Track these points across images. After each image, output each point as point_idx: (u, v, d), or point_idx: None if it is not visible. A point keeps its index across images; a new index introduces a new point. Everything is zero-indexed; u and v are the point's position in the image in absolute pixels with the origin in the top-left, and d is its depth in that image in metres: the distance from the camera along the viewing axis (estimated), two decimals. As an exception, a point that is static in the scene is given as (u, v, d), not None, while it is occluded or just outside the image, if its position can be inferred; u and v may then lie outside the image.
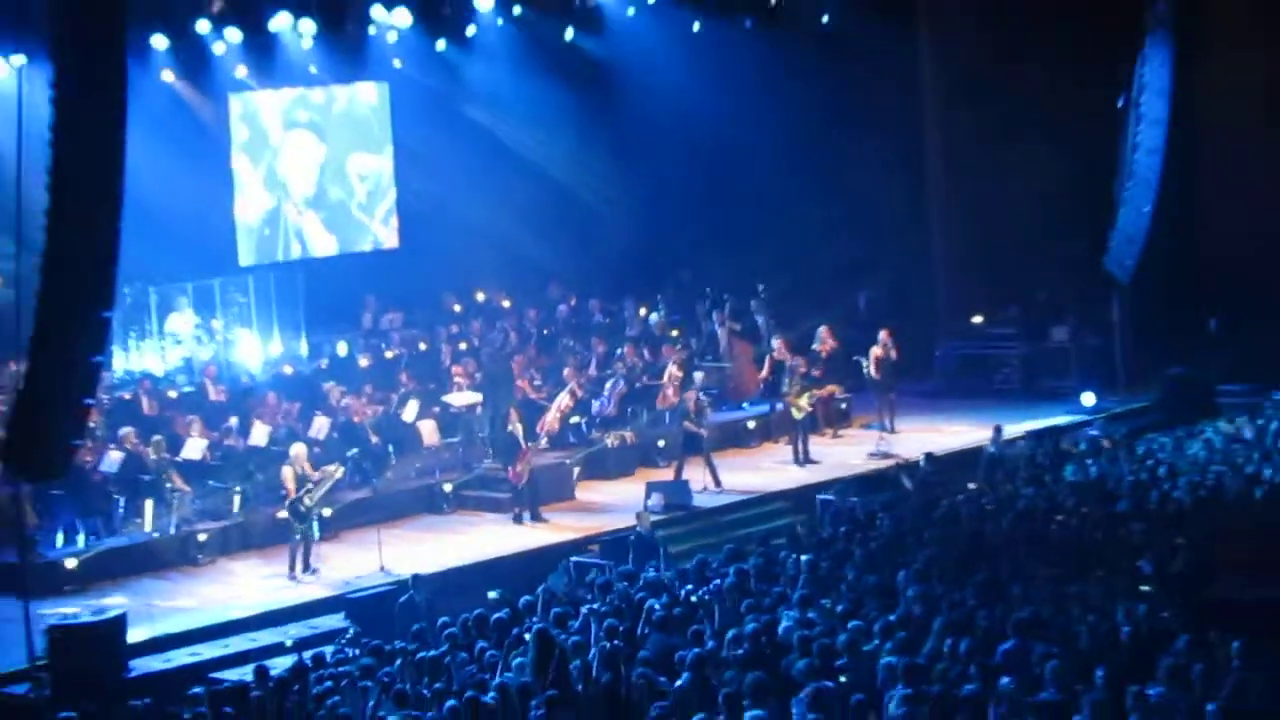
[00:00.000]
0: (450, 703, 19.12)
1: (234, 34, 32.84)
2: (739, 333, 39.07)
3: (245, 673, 23.37)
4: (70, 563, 28.66)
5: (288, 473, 29.34)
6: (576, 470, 33.40)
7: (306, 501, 29.39)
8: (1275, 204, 40.78)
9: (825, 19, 37.24)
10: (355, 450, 31.79)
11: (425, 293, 40.85)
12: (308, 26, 32.91)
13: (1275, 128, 40.42)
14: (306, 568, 28.92)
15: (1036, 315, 40.87)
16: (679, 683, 18.79)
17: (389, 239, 41.06)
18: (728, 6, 34.52)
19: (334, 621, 26.50)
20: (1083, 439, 33.97)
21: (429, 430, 33.25)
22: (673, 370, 35.29)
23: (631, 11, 35.41)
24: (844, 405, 36.81)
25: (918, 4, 38.42)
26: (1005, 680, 17.59)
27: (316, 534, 29.48)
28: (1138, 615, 19.91)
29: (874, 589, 22.68)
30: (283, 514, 29.71)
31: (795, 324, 38.26)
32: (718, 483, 32.75)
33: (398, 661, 22.12)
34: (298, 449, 29.93)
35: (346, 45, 35.89)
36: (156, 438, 31.31)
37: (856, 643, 19.88)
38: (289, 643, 25.69)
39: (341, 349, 37.56)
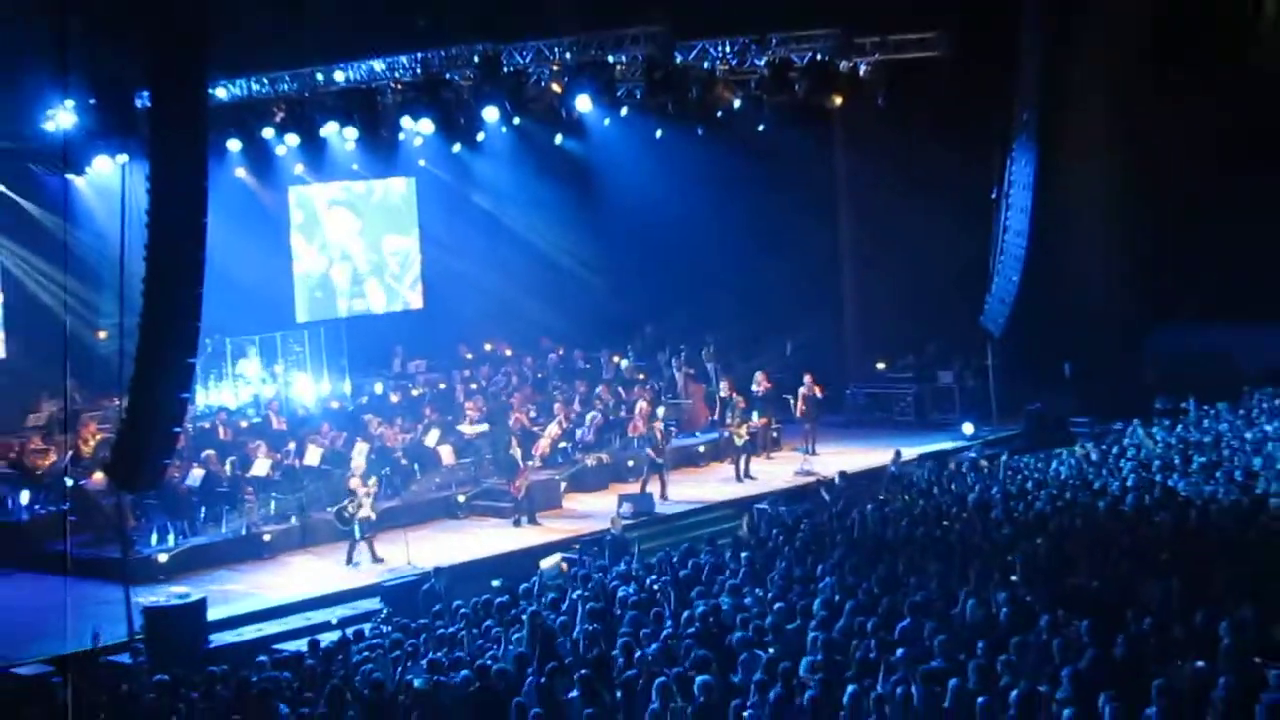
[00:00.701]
0: (464, 672, 19.16)
1: (292, 139, 32.83)
2: (692, 376, 39.17)
3: (300, 644, 23.37)
4: (162, 557, 28.61)
5: (355, 482, 29.54)
6: (563, 485, 33.35)
7: (350, 509, 29.43)
8: (1113, 278, 41.05)
9: (760, 127, 37.20)
10: (388, 469, 31.80)
11: (444, 344, 40.94)
12: (351, 133, 32.87)
13: (1114, 215, 40.71)
14: (370, 559, 29.10)
15: (927, 362, 40.96)
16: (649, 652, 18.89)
17: (415, 301, 41.15)
18: (683, 118, 34.50)
19: (371, 604, 26.47)
20: (964, 460, 34.04)
21: (447, 453, 33.26)
22: (641, 406, 35.28)
23: (607, 121, 35.39)
24: (776, 434, 36.78)
25: (833, 116, 38.37)
26: (901, 651, 17.65)
27: (358, 534, 29.49)
28: (1008, 600, 19.97)
29: (798, 579, 22.69)
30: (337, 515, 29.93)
31: (736, 369, 38.37)
32: (664, 495, 32.82)
33: (422, 636, 22.16)
34: (357, 463, 30.29)
35: (381, 147, 35.93)
36: (231, 458, 31.36)
37: (782, 622, 19.96)
38: (335, 620, 25.66)
39: (378, 388, 37.61)
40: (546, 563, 26.98)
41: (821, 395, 36.78)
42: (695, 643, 19.22)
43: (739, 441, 34.69)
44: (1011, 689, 16.08)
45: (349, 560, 29.06)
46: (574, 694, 17.78)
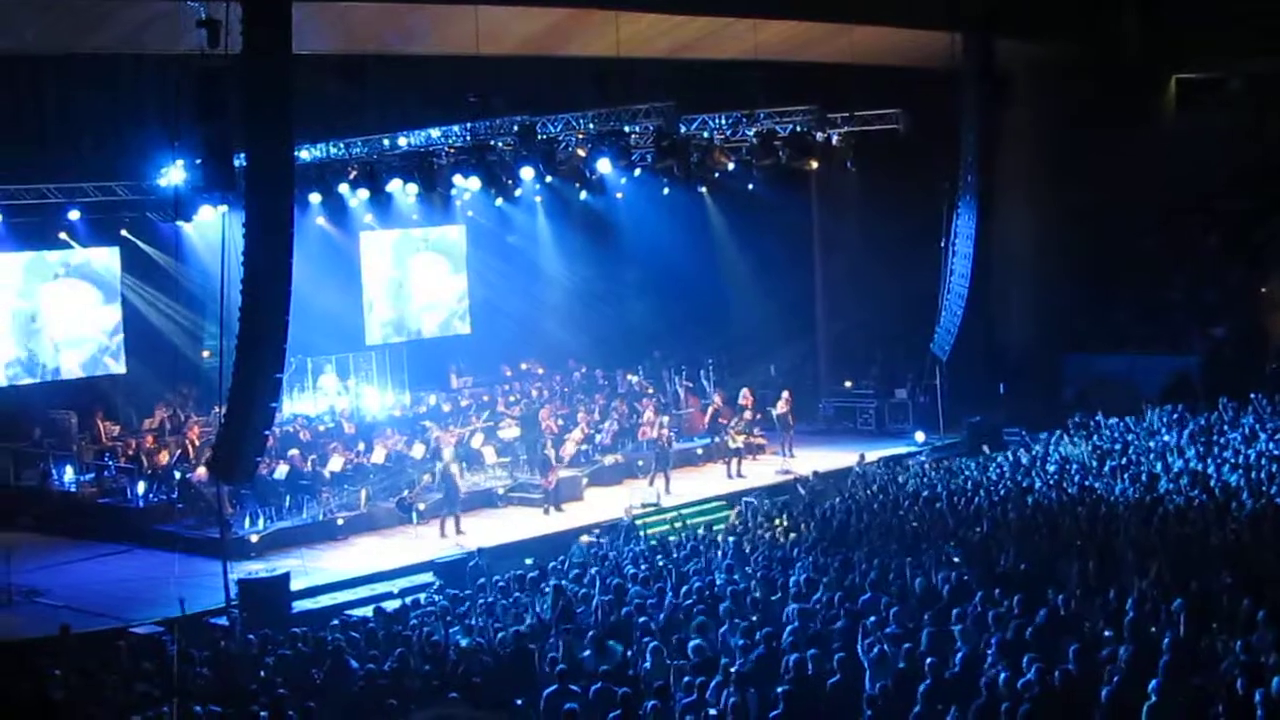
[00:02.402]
0: (501, 633, 19.22)
1: (363, 193, 32.82)
2: (691, 390, 39.16)
3: (367, 611, 23.41)
4: (254, 538, 28.58)
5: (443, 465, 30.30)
6: (585, 480, 33.33)
7: (408, 497, 29.57)
8: (1037, 314, 41.22)
9: (750, 186, 37.29)
10: (440, 464, 31.78)
11: (488, 363, 40.85)
12: (412, 188, 32.82)
13: (1038, 263, 40.87)
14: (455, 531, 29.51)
15: (886, 381, 40.91)
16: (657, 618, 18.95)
17: (464, 328, 41.13)
18: (686, 178, 34.55)
19: (425, 578, 26.50)
20: (915, 463, 34.09)
21: (489, 453, 33.27)
22: (649, 415, 35.28)
23: (623, 180, 35.35)
24: (760, 440, 36.77)
25: (810, 177, 38.46)
26: (864, 620, 17.69)
27: (415, 520, 29.52)
28: (950, 578, 20.00)
29: (778, 560, 22.74)
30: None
31: (728, 385, 38.38)
32: (668, 489, 32.82)
33: (466, 604, 22.20)
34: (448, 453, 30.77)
35: (437, 201, 35.86)
36: (311, 456, 31.39)
37: (766, 594, 20.01)
38: (396, 590, 25.71)
39: (432, 399, 37.53)
40: (584, 539, 27.22)
41: (796, 408, 36.69)
42: (693, 610, 19.30)
43: (733, 445, 34.71)
44: (956, 653, 16.14)
45: (456, 531, 29.51)
46: (587, 652, 17.86)
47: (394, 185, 32.49)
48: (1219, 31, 41.30)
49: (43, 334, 34.10)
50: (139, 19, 25.60)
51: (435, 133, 31.53)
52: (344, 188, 32.77)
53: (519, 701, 16.98)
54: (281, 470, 30.29)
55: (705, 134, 33.40)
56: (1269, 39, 39.65)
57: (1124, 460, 29.54)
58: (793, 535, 25.04)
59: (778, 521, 26.68)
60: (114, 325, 35.06)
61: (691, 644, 17.30)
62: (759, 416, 36.22)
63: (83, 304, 34.65)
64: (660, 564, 23.11)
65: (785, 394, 36.46)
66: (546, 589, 21.83)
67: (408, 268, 39.63)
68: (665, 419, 34.89)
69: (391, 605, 23.17)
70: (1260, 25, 39.84)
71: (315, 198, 33.17)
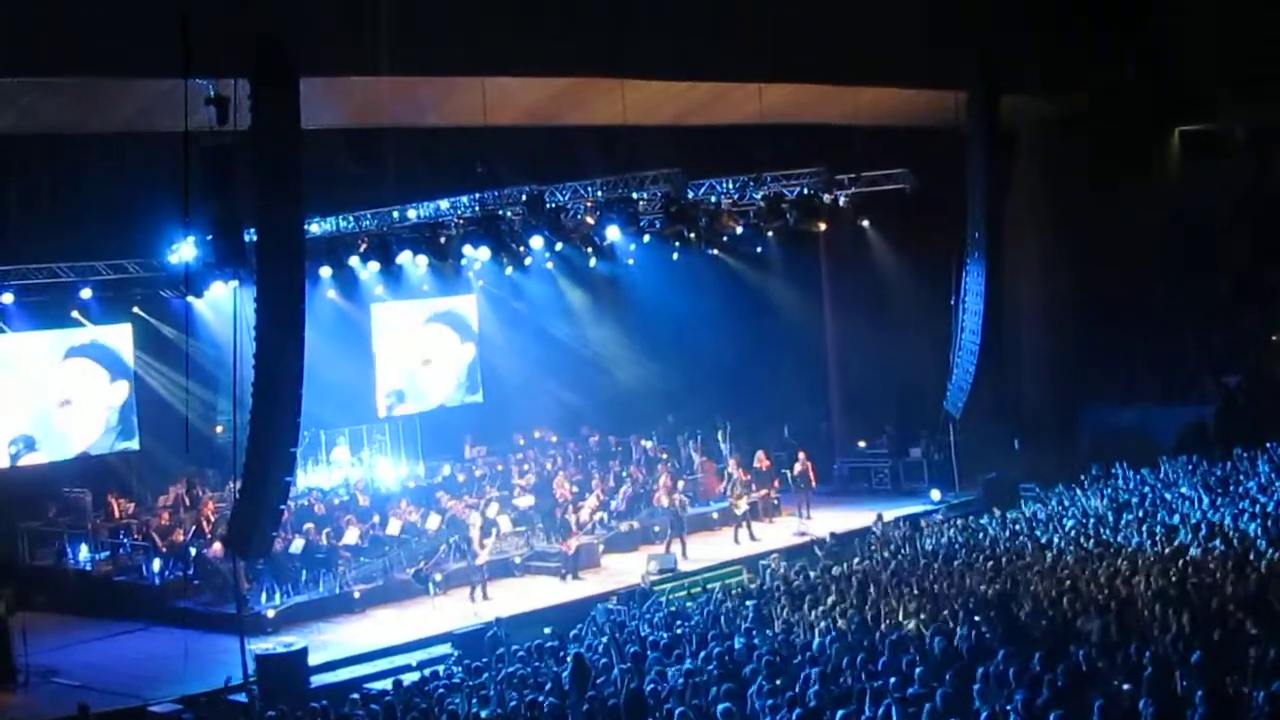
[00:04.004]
0: (520, 705, 19.14)
1: (374, 265, 32.95)
2: (705, 454, 39.13)
3: (386, 684, 23.32)
4: (270, 613, 28.59)
5: (475, 534, 30.65)
6: (601, 546, 33.32)
7: (424, 567, 29.54)
8: (1055, 366, 41.19)
9: (759, 249, 37.44)
10: (456, 536, 31.75)
11: (501, 432, 40.88)
12: (422, 259, 33.00)
13: (1050, 317, 40.91)
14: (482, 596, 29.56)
15: (900, 440, 40.88)
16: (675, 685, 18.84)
17: (476, 397, 41.14)
18: (695, 242, 34.66)
19: (444, 649, 26.42)
20: (932, 521, 33.99)
21: (505, 522, 33.18)
22: (664, 481, 35.27)
23: (633, 246, 35.52)
24: (776, 501, 36.71)
25: (818, 239, 38.57)
26: (884, 681, 17.59)
27: (432, 592, 29.47)
28: (970, 636, 19.89)
29: (797, 623, 22.65)
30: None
31: (742, 448, 38.32)
32: (685, 555, 32.71)
33: (485, 675, 22.10)
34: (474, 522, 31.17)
35: (447, 271, 35.93)
36: (326, 529, 31.38)
37: (788, 657, 19.91)
38: (414, 663, 25.62)
39: (446, 469, 37.52)
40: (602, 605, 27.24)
41: (813, 470, 36.72)
42: (715, 676, 19.19)
43: (739, 511, 34.67)
44: (979, 713, 16.04)
45: (481, 598, 29.79)
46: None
47: (404, 257, 32.62)
48: (1221, 84, 41.52)
49: (56, 412, 34.17)
50: (148, 97, 25.72)
51: (444, 204, 31.66)
52: (354, 260, 32.89)
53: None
54: (297, 544, 30.28)
55: (713, 198, 33.51)
56: (1270, 90, 39.82)
57: (1141, 512, 29.44)
58: (810, 597, 24.94)
59: (796, 583, 26.58)
60: (127, 402, 35.14)
61: (720, 707, 17.20)
62: (777, 484, 36.27)
63: (96, 382, 34.77)
64: (680, 630, 23.02)
65: (801, 455, 36.46)
66: (565, 657, 21.75)
67: (420, 339, 39.67)
68: (680, 483, 34.87)
69: (410, 678, 23.09)
70: (1261, 76, 40.05)
71: (326, 271, 33.27)
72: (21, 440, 33.74)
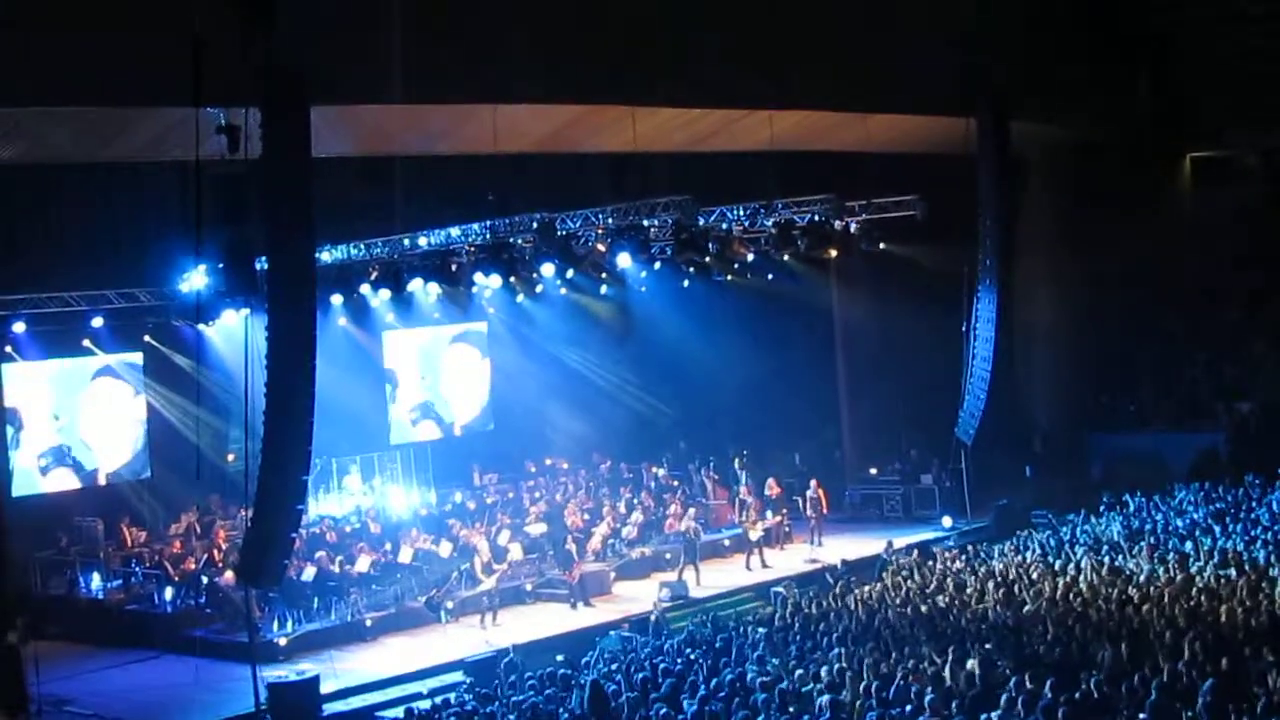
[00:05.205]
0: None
1: (385, 293, 32.95)
2: (718, 481, 39.09)
3: (398, 712, 23.33)
4: (282, 641, 28.59)
5: (478, 563, 30.80)
6: (612, 574, 33.30)
7: (436, 595, 29.54)
8: (1066, 393, 41.18)
9: (770, 276, 37.47)
10: (467, 564, 31.74)
11: (512, 459, 40.89)
12: (433, 287, 33.07)
13: (1061, 344, 40.95)
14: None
15: (911, 467, 40.86)
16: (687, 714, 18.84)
17: (487, 424, 41.19)
18: (706, 270, 34.70)
19: (456, 677, 26.42)
20: (944, 548, 33.94)
21: (516, 550, 33.16)
22: (675, 508, 35.29)
23: (644, 274, 35.59)
24: (787, 528, 36.67)
25: (829, 266, 38.72)
26: (896, 710, 17.59)
27: (444, 619, 29.47)
28: (982, 665, 19.88)
29: (809, 650, 22.64)
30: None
31: (754, 474, 38.28)
32: (697, 582, 32.69)
33: (496, 703, 22.10)
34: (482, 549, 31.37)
35: (458, 299, 36.01)
36: (338, 557, 31.40)
37: (798, 686, 19.90)
38: (426, 691, 25.64)
39: (457, 497, 37.53)
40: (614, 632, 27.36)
41: (825, 496, 36.69)
42: (726, 705, 19.18)
43: (753, 537, 34.67)
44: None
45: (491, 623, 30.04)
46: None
47: (415, 284, 32.64)
48: (1232, 110, 41.60)
49: (67, 441, 34.26)
50: (159, 126, 25.86)
51: (455, 231, 31.71)
52: (366, 288, 32.92)
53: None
54: (309, 572, 30.29)
55: (724, 226, 33.57)
56: (1280, 115, 40.01)
57: (1153, 539, 29.43)
58: (823, 625, 24.93)
59: (808, 611, 26.56)
60: (138, 430, 35.24)
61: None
62: (785, 511, 36.28)
63: (107, 411, 34.90)
64: (692, 657, 23.01)
65: (813, 482, 36.45)
66: (577, 685, 21.74)
67: (431, 366, 39.73)
68: (692, 510, 34.85)
69: (422, 705, 23.10)
70: (1272, 103, 40.14)
71: (337, 299, 33.32)
72: (51, 454, 33.92)
